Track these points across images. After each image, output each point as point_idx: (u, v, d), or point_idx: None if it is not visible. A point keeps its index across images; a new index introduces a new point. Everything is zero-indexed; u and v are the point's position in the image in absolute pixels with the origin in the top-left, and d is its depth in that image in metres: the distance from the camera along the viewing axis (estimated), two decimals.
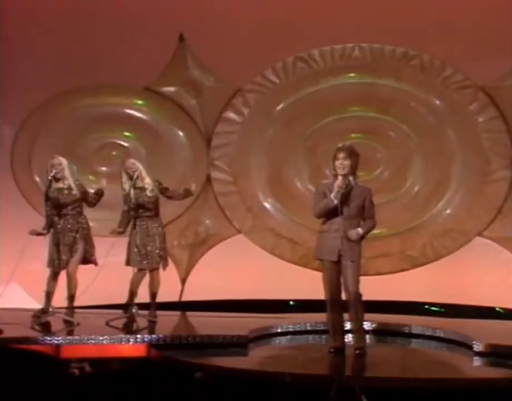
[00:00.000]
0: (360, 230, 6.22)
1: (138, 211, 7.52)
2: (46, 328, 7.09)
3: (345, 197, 6.17)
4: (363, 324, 6.44)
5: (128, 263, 7.54)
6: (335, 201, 6.14)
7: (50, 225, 7.38)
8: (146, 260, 7.51)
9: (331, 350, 6.32)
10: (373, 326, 7.38)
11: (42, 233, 7.36)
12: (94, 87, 8.70)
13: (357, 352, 6.27)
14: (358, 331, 6.35)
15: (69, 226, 7.41)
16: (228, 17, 8.56)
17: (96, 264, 7.56)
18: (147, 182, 7.58)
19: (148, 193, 7.55)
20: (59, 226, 7.39)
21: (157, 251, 7.54)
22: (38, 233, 7.33)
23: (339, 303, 6.29)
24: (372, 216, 6.34)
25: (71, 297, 7.46)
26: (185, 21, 8.61)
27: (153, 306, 7.64)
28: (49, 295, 7.40)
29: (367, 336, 6.92)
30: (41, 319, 7.25)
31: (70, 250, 7.39)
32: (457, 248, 8.53)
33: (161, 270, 7.63)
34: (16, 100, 8.68)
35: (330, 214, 6.22)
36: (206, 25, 8.51)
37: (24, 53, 8.71)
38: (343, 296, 6.31)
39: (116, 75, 8.58)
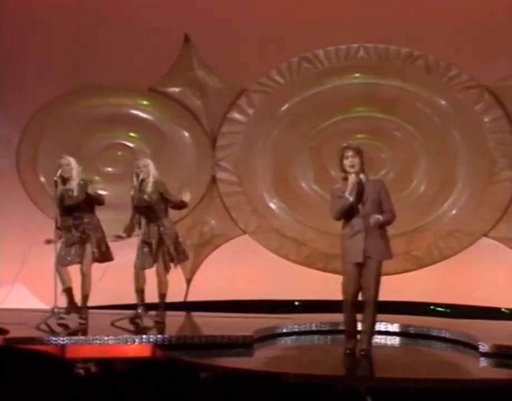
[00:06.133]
0: (380, 217, 6.19)
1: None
2: (52, 329, 7.07)
3: (360, 194, 6.19)
4: (374, 327, 6.43)
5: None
6: (351, 199, 6.16)
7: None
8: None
9: (348, 350, 6.32)
10: (381, 326, 7.36)
11: (52, 241, 7.32)
12: (98, 87, 8.71)
13: (362, 353, 6.27)
14: (368, 333, 6.35)
15: (73, 226, 7.41)
16: (233, 18, 8.56)
17: (109, 260, 7.55)
18: (149, 186, 7.52)
19: (146, 197, 7.45)
20: (64, 226, 7.38)
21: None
22: (48, 241, 7.31)
23: (357, 305, 6.30)
24: (390, 209, 6.31)
25: (85, 297, 7.45)
26: (190, 22, 8.61)
27: (162, 307, 7.63)
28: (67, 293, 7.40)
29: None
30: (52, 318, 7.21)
31: (75, 249, 7.37)
32: (463, 248, 8.51)
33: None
34: (20, 101, 8.68)
35: (348, 213, 6.23)
36: (211, 26, 8.52)
37: (28, 54, 8.72)
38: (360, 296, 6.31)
39: (120, 75, 8.59)
